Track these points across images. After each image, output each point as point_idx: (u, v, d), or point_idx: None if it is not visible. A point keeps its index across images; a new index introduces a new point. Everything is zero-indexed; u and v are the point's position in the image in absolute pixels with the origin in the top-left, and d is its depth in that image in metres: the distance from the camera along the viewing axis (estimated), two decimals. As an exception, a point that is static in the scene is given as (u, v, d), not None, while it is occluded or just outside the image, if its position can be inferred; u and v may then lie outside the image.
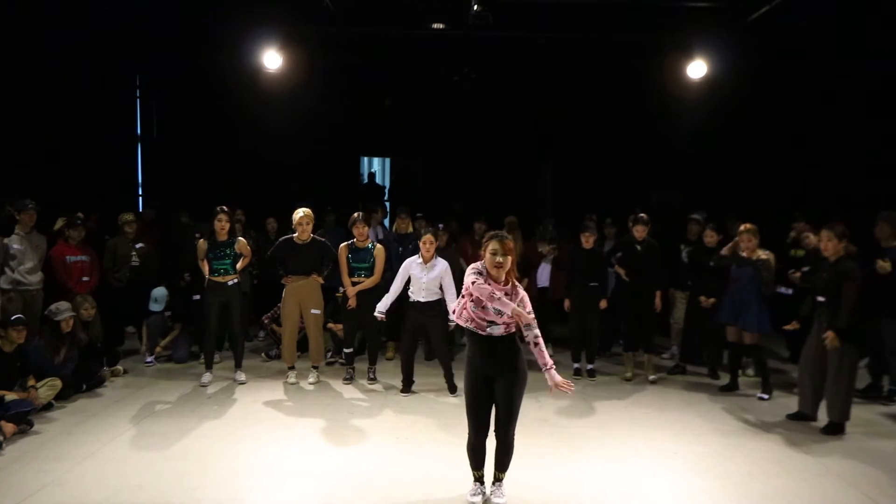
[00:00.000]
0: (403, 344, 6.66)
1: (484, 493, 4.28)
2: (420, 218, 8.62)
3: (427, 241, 6.37)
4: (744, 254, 6.49)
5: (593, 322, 7.20)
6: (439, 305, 6.46)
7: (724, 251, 6.68)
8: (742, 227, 6.51)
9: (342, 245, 6.84)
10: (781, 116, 10.05)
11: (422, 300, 6.40)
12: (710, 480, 4.68)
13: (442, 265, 6.40)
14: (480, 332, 4.02)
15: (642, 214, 7.18)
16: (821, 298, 5.68)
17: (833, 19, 8.28)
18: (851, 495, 4.49)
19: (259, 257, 8.00)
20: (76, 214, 7.57)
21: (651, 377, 7.11)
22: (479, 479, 4.31)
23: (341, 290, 6.94)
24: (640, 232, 7.08)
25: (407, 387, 6.59)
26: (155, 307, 7.73)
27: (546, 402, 6.27)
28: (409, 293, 6.49)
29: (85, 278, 7.28)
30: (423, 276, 6.37)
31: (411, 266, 6.43)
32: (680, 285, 7.66)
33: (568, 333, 7.57)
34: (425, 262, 6.39)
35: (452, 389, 6.50)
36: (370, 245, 6.85)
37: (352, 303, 6.75)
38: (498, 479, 4.25)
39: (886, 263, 6.09)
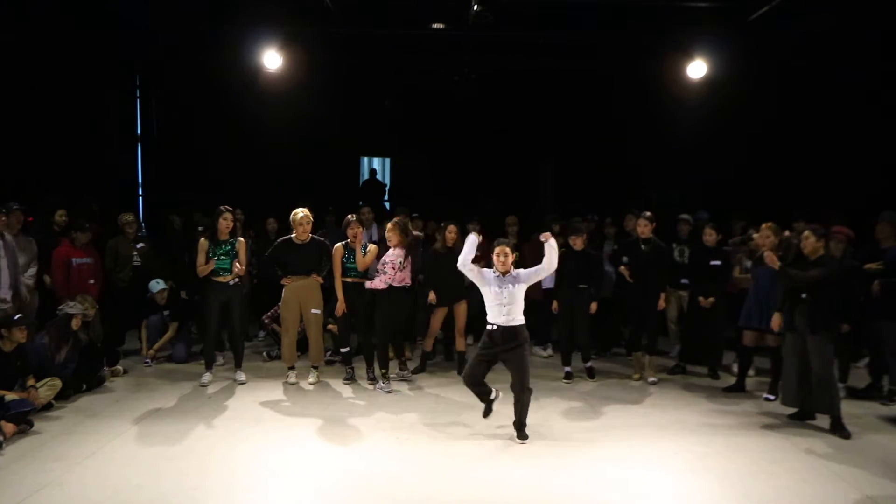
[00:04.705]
0: (474, 369, 5.55)
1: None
2: (418, 218, 8.59)
3: (501, 253, 5.37)
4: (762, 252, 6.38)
5: (583, 324, 7.09)
6: (521, 334, 5.40)
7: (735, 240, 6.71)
8: (764, 226, 6.40)
9: (337, 245, 6.81)
10: (781, 116, 10.04)
11: (502, 324, 5.32)
12: (710, 480, 4.68)
13: (525, 274, 5.42)
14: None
15: (646, 211, 7.16)
16: (805, 296, 5.69)
17: (833, 19, 8.28)
18: (851, 495, 4.48)
19: (259, 257, 7.97)
20: (81, 217, 7.53)
21: (651, 378, 7.09)
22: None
23: None
24: (643, 228, 7.01)
25: (489, 409, 5.61)
26: (157, 287, 7.57)
27: (546, 403, 6.26)
28: (487, 319, 5.46)
29: (91, 280, 7.26)
30: (503, 289, 5.34)
31: (488, 275, 5.45)
32: (674, 284, 7.64)
33: (556, 336, 7.51)
34: (503, 275, 5.41)
35: (522, 436, 5.36)
36: (364, 244, 6.86)
37: (339, 310, 6.78)
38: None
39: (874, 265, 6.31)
